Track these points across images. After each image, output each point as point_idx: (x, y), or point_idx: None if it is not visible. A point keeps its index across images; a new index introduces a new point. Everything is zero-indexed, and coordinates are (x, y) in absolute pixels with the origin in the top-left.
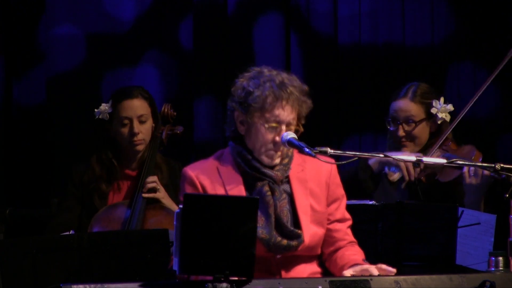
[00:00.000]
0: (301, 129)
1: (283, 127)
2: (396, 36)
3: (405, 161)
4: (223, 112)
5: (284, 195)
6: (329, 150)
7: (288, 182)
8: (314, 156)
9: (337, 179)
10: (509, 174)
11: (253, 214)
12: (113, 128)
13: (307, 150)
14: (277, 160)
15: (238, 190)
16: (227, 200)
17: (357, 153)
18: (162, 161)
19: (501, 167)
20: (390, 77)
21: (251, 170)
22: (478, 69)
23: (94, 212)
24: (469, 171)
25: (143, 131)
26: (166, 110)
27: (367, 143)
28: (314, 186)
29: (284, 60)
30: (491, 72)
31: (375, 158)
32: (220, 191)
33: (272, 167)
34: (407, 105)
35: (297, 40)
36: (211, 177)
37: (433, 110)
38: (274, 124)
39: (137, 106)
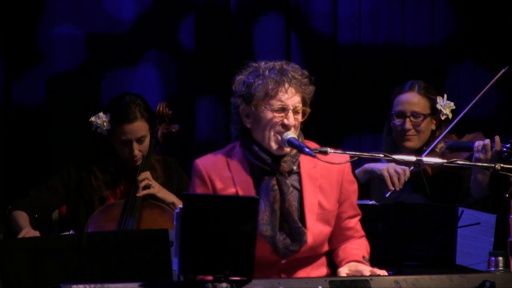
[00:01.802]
0: (308, 110)
1: (290, 112)
2: (396, 36)
3: (405, 161)
4: (224, 112)
5: (292, 189)
6: (329, 150)
7: (299, 176)
8: (314, 156)
9: (350, 176)
10: (509, 174)
11: (253, 214)
12: (112, 142)
13: (307, 150)
14: (287, 149)
15: (247, 184)
16: (227, 200)
17: (357, 153)
18: (156, 161)
19: (501, 167)
20: (390, 77)
21: (258, 162)
22: (478, 69)
23: (94, 210)
24: (478, 146)
25: (142, 149)
26: (161, 109)
27: (367, 143)
28: (325, 183)
29: (284, 60)
30: (491, 72)
31: (360, 168)
32: (229, 185)
33: (279, 158)
34: (414, 98)
35: (297, 40)
36: (221, 171)
37: (438, 106)
38: (279, 106)
39: (138, 129)
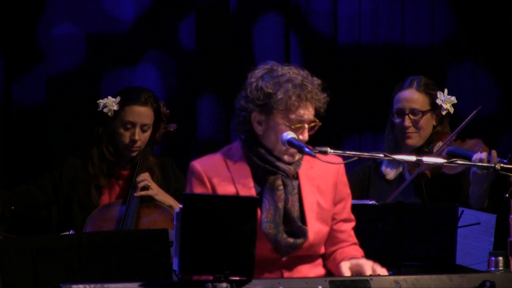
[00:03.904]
0: (319, 123)
1: (306, 129)
2: (396, 36)
3: (405, 161)
4: (225, 111)
5: (296, 190)
6: (329, 150)
7: (297, 178)
8: (314, 156)
9: (344, 178)
10: (509, 174)
11: (253, 214)
12: (114, 125)
13: (307, 150)
14: (297, 157)
15: (247, 184)
16: (227, 200)
17: (357, 153)
18: (154, 164)
19: (501, 166)
20: (390, 77)
21: (264, 164)
22: (478, 69)
23: (89, 205)
24: (475, 160)
25: (142, 139)
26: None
27: (367, 143)
28: (321, 183)
29: (284, 60)
30: (491, 72)
31: None
32: (229, 185)
33: (284, 162)
34: (413, 95)
35: (297, 40)
36: (220, 172)
37: (438, 101)
38: (298, 125)
39: (145, 115)
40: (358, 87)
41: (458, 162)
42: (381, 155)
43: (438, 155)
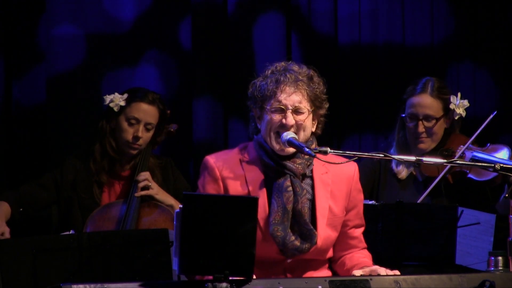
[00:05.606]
0: (319, 111)
1: (289, 112)
2: (396, 36)
3: (404, 161)
4: (222, 112)
5: (305, 192)
6: (329, 150)
7: (312, 180)
8: (314, 156)
9: (358, 185)
10: (509, 174)
11: (253, 214)
12: (118, 120)
13: (307, 150)
14: (289, 150)
15: (259, 184)
16: (227, 200)
17: (357, 153)
18: (154, 164)
19: (501, 167)
20: (390, 77)
21: (273, 163)
22: (478, 69)
23: (90, 205)
24: None
25: (145, 138)
26: None
27: (367, 143)
28: (335, 189)
29: (284, 60)
30: (491, 72)
31: None
32: (241, 184)
33: (290, 158)
34: (426, 101)
35: (297, 40)
36: (233, 168)
37: (451, 106)
38: (279, 107)
39: (150, 114)
40: (358, 87)
41: (458, 162)
42: (381, 155)
43: (461, 159)
